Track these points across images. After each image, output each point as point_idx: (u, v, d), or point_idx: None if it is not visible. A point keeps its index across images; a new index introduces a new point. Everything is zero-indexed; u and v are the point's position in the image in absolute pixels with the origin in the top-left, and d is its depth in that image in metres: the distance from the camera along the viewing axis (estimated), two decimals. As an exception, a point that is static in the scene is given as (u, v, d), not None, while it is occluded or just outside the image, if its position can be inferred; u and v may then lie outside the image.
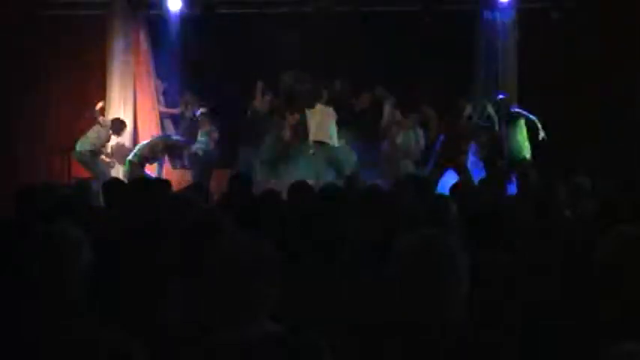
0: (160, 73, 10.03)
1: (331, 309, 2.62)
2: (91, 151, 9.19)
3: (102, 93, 9.61)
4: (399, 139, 9.25)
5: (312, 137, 9.02)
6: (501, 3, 9.53)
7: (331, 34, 9.85)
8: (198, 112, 9.58)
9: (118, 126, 9.32)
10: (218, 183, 8.67)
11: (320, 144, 8.99)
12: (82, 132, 9.33)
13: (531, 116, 8.88)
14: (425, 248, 1.99)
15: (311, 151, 8.99)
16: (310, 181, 6.38)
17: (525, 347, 2.24)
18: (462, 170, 8.67)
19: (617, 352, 1.51)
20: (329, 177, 8.54)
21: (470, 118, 9.16)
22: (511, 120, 8.88)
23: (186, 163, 9.62)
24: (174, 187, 8.75)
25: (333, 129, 9.07)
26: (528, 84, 9.35)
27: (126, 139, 9.60)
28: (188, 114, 9.90)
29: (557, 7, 9.56)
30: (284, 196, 4.80)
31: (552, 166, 8.54)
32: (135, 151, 9.11)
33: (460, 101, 9.38)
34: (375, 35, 10.07)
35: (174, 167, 9.78)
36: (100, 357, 1.55)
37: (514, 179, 7.62)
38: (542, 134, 8.79)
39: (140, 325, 2.27)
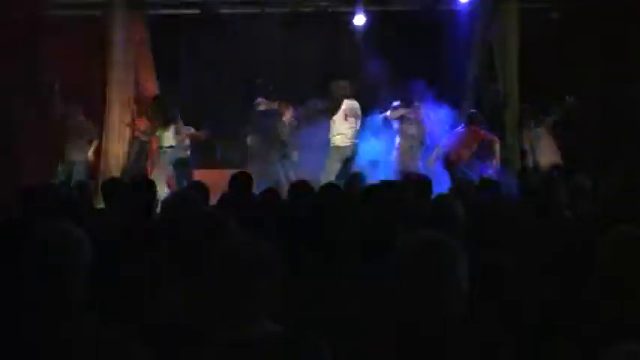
0: (160, 74, 10.05)
1: (331, 309, 2.62)
2: None
3: (102, 93, 9.62)
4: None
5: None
6: (501, 3, 9.53)
7: (331, 34, 9.88)
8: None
9: None
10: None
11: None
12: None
13: None
14: (425, 248, 1.99)
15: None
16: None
17: (525, 347, 2.24)
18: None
19: (618, 352, 1.51)
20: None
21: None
22: None
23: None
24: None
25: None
26: (529, 84, 9.35)
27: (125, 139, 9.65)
28: None
29: (557, 7, 9.56)
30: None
31: (553, 166, 8.55)
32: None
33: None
34: (375, 35, 10.09)
35: None
36: (100, 357, 1.55)
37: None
38: None
39: (140, 325, 2.27)
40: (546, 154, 8.94)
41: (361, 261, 3.05)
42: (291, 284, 2.26)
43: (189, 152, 9.36)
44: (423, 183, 5.08)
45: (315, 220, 3.57)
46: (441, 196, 4.00)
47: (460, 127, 8.96)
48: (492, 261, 2.83)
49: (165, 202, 3.75)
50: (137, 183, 4.80)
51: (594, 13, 9.29)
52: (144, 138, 9.45)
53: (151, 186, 4.57)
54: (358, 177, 5.72)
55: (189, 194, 4.68)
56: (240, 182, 5.21)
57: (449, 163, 8.76)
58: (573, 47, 9.32)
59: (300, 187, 4.94)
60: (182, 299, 2.49)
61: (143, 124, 9.50)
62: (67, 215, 3.49)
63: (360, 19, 10.01)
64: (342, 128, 8.86)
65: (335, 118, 8.89)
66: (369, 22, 10.07)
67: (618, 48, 9.08)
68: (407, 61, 10.01)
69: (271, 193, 4.61)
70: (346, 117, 8.88)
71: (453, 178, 8.36)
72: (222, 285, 2.08)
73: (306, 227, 3.46)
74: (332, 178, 8.40)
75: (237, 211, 3.59)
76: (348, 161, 8.85)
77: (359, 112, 8.96)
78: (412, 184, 5.02)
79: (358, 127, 8.97)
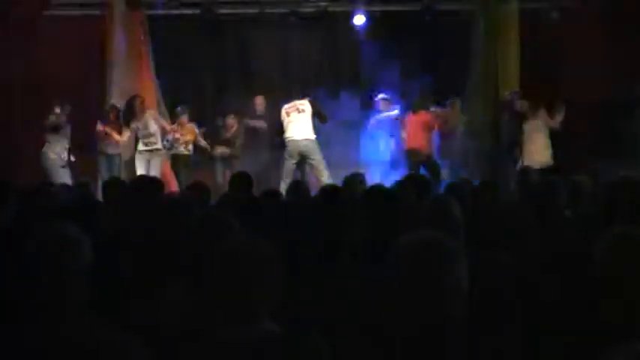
0: (160, 74, 10.05)
1: (331, 309, 2.62)
2: None
3: (102, 93, 9.62)
4: None
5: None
6: (500, 3, 9.53)
7: (331, 34, 9.90)
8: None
9: None
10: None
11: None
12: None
13: None
14: (425, 248, 1.99)
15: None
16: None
17: (525, 348, 2.24)
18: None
19: (618, 353, 1.51)
20: None
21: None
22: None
23: None
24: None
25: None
26: (529, 84, 9.35)
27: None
28: None
29: (557, 7, 9.56)
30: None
31: (553, 165, 8.56)
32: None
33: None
34: (375, 35, 10.10)
35: None
36: (100, 357, 1.55)
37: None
38: None
39: (140, 325, 2.27)
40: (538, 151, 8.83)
41: (361, 261, 3.05)
42: (291, 284, 2.26)
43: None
44: (423, 183, 5.08)
45: (315, 220, 3.57)
46: (440, 196, 4.00)
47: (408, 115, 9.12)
48: (492, 261, 2.83)
49: (167, 202, 3.75)
50: (138, 183, 4.80)
51: (594, 13, 9.30)
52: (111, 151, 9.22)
53: (153, 186, 4.57)
54: (358, 177, 5.71)
55: (191, 194, 4.68)
56: (240, 182, 5.21)
57: (409, 151, 8.93)
58: (573, 47, 9.33)
59: (301, 187, 4.94)
60: (182, 299, 2.50)
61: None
62: (67, 215, 3.49)
63: (360, 19, 10.03)
64: (286, 124, 8.89)
65: (282, 115, 8.91)
66: (369, 22, 10.08)
67: (618, 48, 9.08)
68: (407, 61, 10.03)
69: (271, 193, 4.61)
70: (287, 114, 8.88)
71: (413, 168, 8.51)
72: (223, 285, 2.08)
73: (306, 227, 3.46)
74: (283, 175, 8.54)
75: (237, 211, 3.59)
76: (302, 159, 8.80)
77: (303, 107, 8.86)
78: (412, 184, 5.02)
79: (310, 124, 8.86)
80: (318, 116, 8.92)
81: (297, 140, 8.76)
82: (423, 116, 9.07)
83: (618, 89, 9.06)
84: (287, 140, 8.82)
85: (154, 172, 8.45)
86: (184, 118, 9.35)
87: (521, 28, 9.48)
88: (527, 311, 2.62)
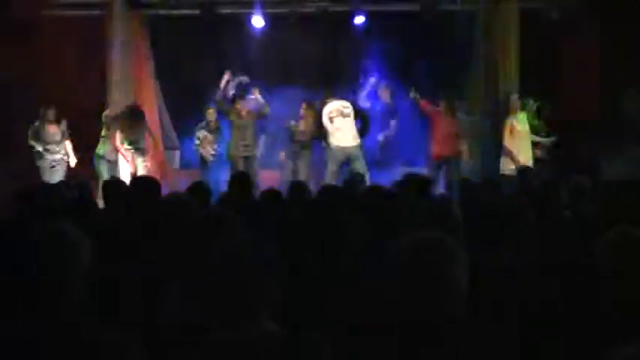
0: (160, 74, 10.06)
1: (331, 309, 2.63)
2: None
3: (102, 93, 9.62)
4: None
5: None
6: (501, 2, 9.53)
7: (330, 33, 9.90)
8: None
9: None
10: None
11: None
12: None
13: None
14: (424, 248, 1.99)
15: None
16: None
17: (525, 348, 2.24)
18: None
19: (618, 354, 1.50)
20: None
21: None
22: None
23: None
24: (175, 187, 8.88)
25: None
26: (529, 84, 9.35)
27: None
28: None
29: (557, 7, 9.57)
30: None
31: (553, 165, 8.58)
32: None
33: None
34: (375, 35, 10.10)
35: None
36: (101, 357, 1.55)
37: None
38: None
39: (140, 325, 2.27)
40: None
41: (361, 261, 3.05)
42: (291, 284, 2.26)
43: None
44: (423, 183, 5.08)
45: (315, 220, 3.57)
46: (440, 196, 4.00)
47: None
48: (492, 261, 2.83)
49: (168, 202, 3.75)
50: (138, 183, 4.80)
51: (594, 13, 9.30)
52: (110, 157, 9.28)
53: (154, 186, 4.57)
54: (358, 177, 5.72)
55: (190, 194, 4.68)
56: (240, 182, 5.21)
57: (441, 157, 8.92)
58: (573, 47, 9.33)
59: (301, 188, 4.94)
60: (182, 299, 2.50)
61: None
62: (67, 215, 3.50)
63: (359, 19, 10.03)
64: (332, 131, 8.83)
65: (324, 120, 8.86)
66: (369, 23, 10.08)
67: (618, 48, 9.08)
68: (407, 61, 10.04)
69: (271, 193, 4.61)
70: (331, 119, 8.82)
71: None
72: (223, 285, 2.08)
73: (306, 227, 3.46)
74: (331, 180, 8.41)
75: (236, 211, 3.58)
76: (347, 163, 8.76)
77: (348, 111, 8.82)
78: (412, 184, 5.02)
79: (355, 127, 8.84)
80: (361, 119, 8.95)
81: (343, 147, 8.72)
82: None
83: (618, 88, 9.06)
84: (333, 146, 8.76)
85: (141, 172, 8.61)
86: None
87: (521, 28, 9.47)
88: (527, 311, 2.62)
